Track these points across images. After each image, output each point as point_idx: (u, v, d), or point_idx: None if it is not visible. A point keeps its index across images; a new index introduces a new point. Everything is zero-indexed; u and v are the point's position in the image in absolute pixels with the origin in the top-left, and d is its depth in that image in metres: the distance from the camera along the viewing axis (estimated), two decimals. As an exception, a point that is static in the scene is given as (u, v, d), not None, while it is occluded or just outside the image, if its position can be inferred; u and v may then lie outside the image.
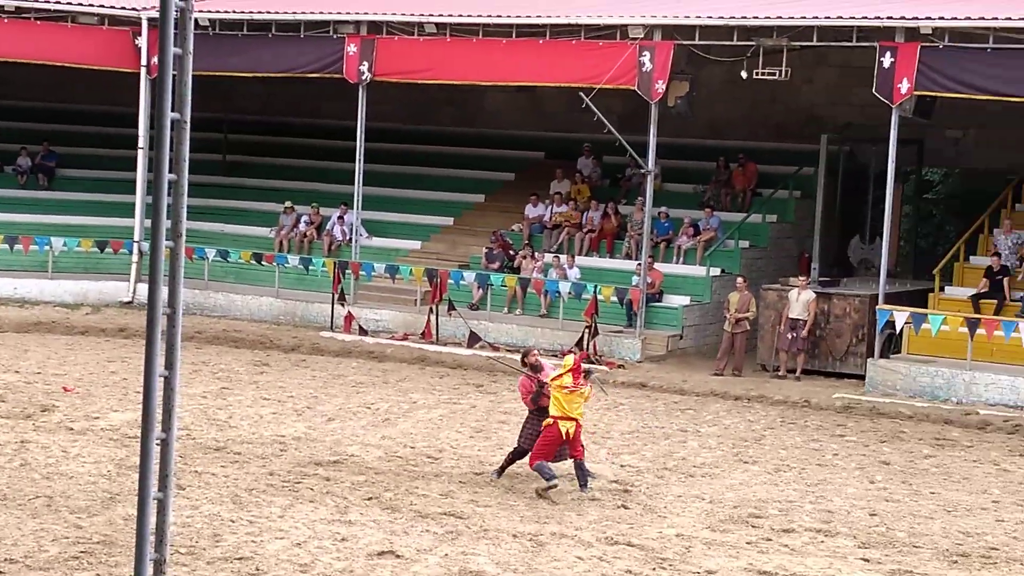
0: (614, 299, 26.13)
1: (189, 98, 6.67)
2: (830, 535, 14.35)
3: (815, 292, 25.01)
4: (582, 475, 15.60)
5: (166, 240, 6.71)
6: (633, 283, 26.57)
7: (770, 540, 14.01)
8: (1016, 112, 27.14)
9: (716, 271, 27.47)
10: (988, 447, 19.64)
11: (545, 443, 15.48)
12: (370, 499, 14.86)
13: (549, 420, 15.45)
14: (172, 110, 6.64)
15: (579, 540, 13.63)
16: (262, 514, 14.03)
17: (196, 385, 21.50)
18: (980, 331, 22.87)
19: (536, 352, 16.77)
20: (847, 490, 16.56)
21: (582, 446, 15.72)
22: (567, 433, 15.35)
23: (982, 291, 24.74)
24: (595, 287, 25.99)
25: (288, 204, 31.77)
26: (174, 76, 6.73)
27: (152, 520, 6.76)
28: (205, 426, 18.46)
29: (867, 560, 13.43)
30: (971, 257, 26.37)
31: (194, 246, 30.11)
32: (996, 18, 22.59)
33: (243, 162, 35.35)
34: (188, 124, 6.63)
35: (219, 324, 28.20)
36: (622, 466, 17.30)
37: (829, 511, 15.42)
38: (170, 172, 6.69)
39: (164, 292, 6.76)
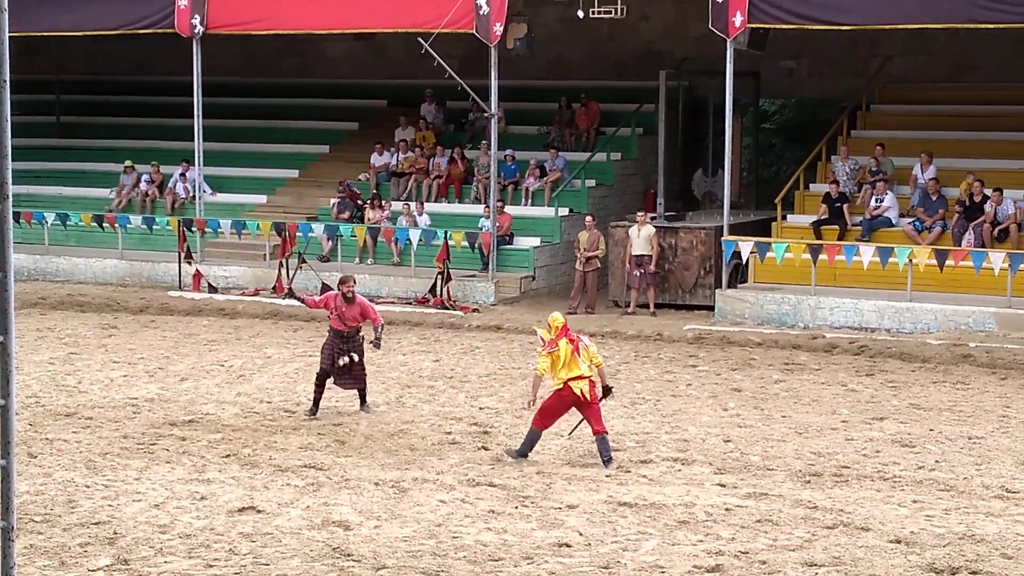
0: (465, 244, 26.14)
1: (7, 56, 6.45)
2: (687, 463, 14.59)
3: (657, 227, 25.31)
4: (605, 449, 14.41)
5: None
6: (482, 227, 26.61)
7: (629, 472, 14.20)
8: (847, 40, 27.75)
9: (564, 211, 27.65)
10: (835, 369, 20.13)
11: (550, 406, 14.56)
12: (228, 456, 14.72)
13: (559, 383, 14.32)
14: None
15: (441, 484, 13.66)
16: (118, 477, 13.81)
17: (43, 352, 21.04)
18: (822, 257, 23.39)
19: (352, 282, 16.88)
20: (701, 419, 16.86)
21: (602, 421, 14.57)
22: (581, 392, 14.24)
23: (823, 218, 25.28)
24: (445, 233, 25.97)
25: (128, 163, 31.16)
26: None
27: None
28: (54, 392, 18.08)
29: (723, 485, 13.69)
30: (811, 185, 26.92)
31: (32, 211, 29.43)
32: (824, -52, 23.01)
33: (78, 123, 34.55)
34: (7, 83, 6.42)
35: (63, 289, 27.61)
36: (481, 408, 17.37)
37: (685, 440, 15.68)
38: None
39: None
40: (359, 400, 17.10)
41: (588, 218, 25.67)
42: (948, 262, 22.51)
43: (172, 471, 14.11)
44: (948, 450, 15.25)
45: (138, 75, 34.88)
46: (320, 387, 16.89)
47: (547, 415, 14.63)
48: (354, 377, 16.90)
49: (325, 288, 25.92)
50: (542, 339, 14.55)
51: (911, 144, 26.14)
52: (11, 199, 6.51)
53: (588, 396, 14.29)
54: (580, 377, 14.27)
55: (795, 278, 23.90)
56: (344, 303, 16.64)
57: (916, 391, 18.57)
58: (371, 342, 16.75)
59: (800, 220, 25.79)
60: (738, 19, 23.54)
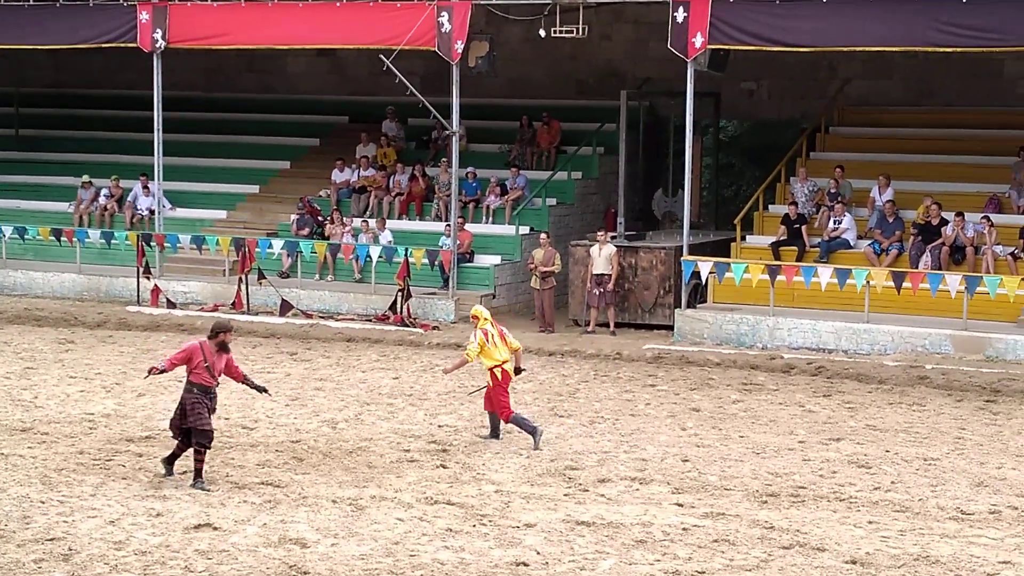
0: (425, 261, 26.12)
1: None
2: (645, 483, 14.62)
3: (617, 246, 25.38)
4: (526, 424, 16.34)
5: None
6: (443, 245, 26.60)
7: (587, 491, 14.22)
8: (806, 62, 27.95)
9: (525, 229, 27.68)
10: (793, 389, 20.21)
11: (504, 390, 16.36)
12: (184, 473, 14.62)
13: (496, 366, 16.33)
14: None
15: (399, 502, 13.64)
16: (73, 493, 13.72)
17: (-2, 367, 20.89)
18: (781, 277, 23.51)
19: (233, 330, 15.02)
20: (660, 438, 16.89)
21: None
22: (504, 372, 16.34)
23: (781, 239, 25.42)
24: (406, 250, 25.94)
25: (86, 178, 30.99)
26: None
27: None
28: (10, 407, 17.93)
29: (681, 505, 13.73)
30: (770, 206, 27.05)
31: (-11, 224, 29.24)
32: (784, -29, 23.18)
33: (37, 136, 34.36)
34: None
35: (20, 303, 27.40)
36: (440, 426, 17.35)
37: (643, 459, 15.71)
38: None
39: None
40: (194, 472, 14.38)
41: (543, 235, 25.71)
42: (905, 284, 22.66)
43: (128, 487, 14.03)
44: (904, 471, 15.34)
45: (99, 88, 34.72)
46: (185, 446, 14.44)
47: (506, 401, 16.40)
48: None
49: (284, 305, 25.94)
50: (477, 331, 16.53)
51: (870, 167, 26.36)
52: None
53: (504, 375, 16.40)
54: (504, 361, 16.38)
55: (754, 298, 24.01)
56: (216, 353, 14.32)
57: (872, 412, 18.67)
58: (257, 389, 14.89)
59: (759, 241, 25.93)
60: (698, 40, 23.66)
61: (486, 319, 16.58)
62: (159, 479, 14.36)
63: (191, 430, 14.21)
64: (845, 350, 22.81)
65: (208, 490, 13.93)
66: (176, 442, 14.46)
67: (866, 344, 22.79)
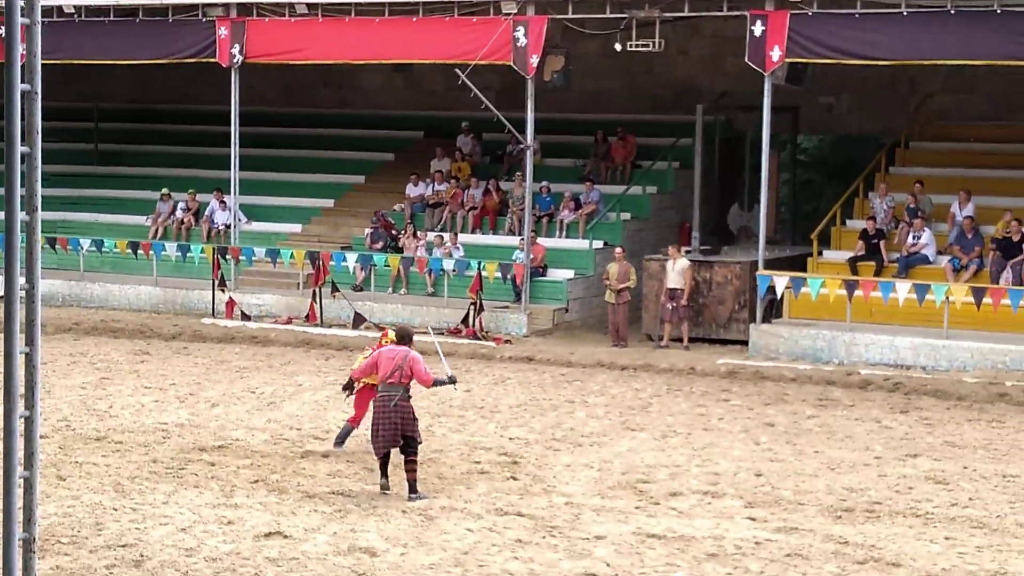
0: (498, 275, 26.10)
1: (39, 68, 6.49)
2: (717, 496, 14.46)
3: (692, 260, 25.20)
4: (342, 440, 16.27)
5: (22, 214, 6.51)
6: (516, 258, 26.57)
7: (658, 504, 14.08)
8: (885, 76, 27.64)
9: (599, 244, 27.56)
10: (870, 405, 19.94)
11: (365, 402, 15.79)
12: (256, 482, 14.67)
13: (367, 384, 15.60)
14: (22, 81, 6.45)
15: (469, 512, 13.58)
16: (145, 501, 13.79)
17: (75, 376, 21.09)
18: (858, 292, 23.22)
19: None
20: (733, 452, 16.71)
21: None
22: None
23: (859, 254, 25.11)
24: (479, 264, 25.94)
25: (164, 191, 31.31)
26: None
27: (19, 499, 6.58)
28: (85, 416, 18.09)
29: (753, 519, 13.55)
30: (847, 221, 26.75)
31: (68, 237, 29.58)
32: (863, -18, 22.95)
33: (116, 151, 34.77)
34: (39, 95, 6.45)
35: (97, 315, 27.69)
36: (511, 439, 17.28)
37: (716, 473, 15.54)
38: (23, 144, 6.49)
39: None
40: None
41: (618, 250, 25.59)
42: (985, 300, 22.30)
43: (200, 495, 14.08)
44: (982, 488, 15.05)
45: (176, 103, 35.09)
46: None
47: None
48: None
49: (357, 318, 25.99)
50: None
51: (950, 182, 25.96)
52: (40, 211, 6.53)
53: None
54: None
55: (830, 314, 23.71)
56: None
57: (951, 428, 18.36)
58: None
59: (836, 256, 25.63)
60: (776, 53, 23.46)
61: (389, 341, 15.28)
62: (231, 487, 14.39)
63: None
64: (923, 366, 22.47)
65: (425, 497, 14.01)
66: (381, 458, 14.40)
67: (945, 360, 22.43)
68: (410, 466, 14.17)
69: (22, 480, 6.50)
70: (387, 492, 14.21)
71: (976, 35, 22.34)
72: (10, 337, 6.64)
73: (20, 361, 6.59)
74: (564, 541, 12.63)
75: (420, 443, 14.45)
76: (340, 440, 16.41)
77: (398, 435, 14.16)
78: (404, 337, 14.79)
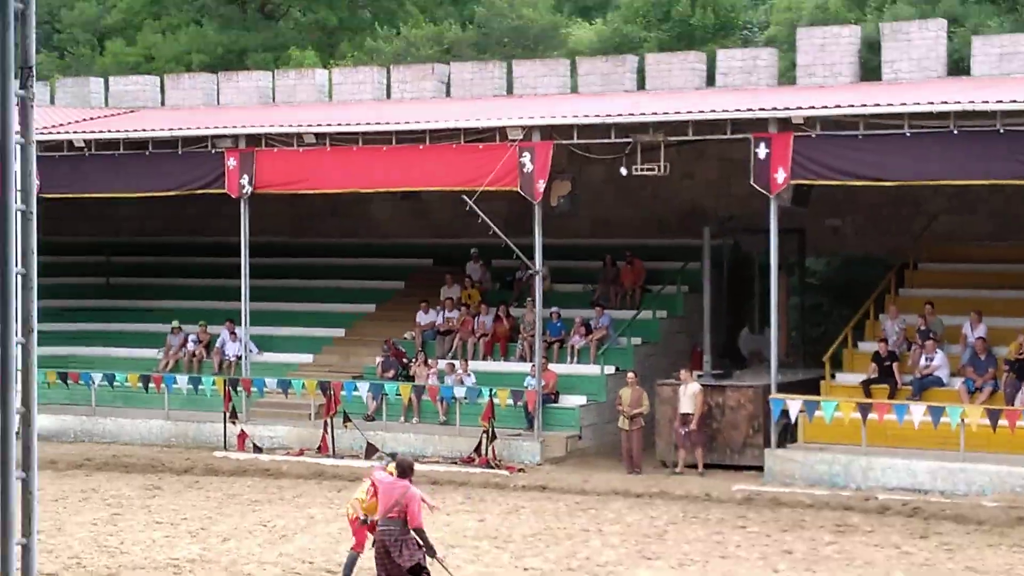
0: (510, 402, 25.99)
1: (34, 190, 6.59)
2: (738, 628, 14.23)
3: (703, 384, 25.08)
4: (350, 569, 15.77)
5: (18, 337, 6.52)
6: (528, 385, 26.47)
7: (678, 636, 13.85)
8: (891, 197, 27.74)
9: (610, 369, 27.48)
10: (889, 531, 19.70)
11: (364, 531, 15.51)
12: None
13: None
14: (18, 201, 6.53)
15: (485, 648, 13.36)
16: (157, 642, 13.59)
17: (85, 513, 20.93)
18: (872, 415, 23.06)
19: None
20: (752, 581, 16.49)
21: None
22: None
23: (872, 376, 24.97)
24: (491, 391, 25.85)
25: (175, 324, 31.34)
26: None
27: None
28: (95, 553, 17.91)
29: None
30: (859, 343, 26.66)
31: (79, 371, 29.54)
32: (864, 105, 23.15)
33: (127, 284, 34.89)
34: (34, 214, 6.55)
35: (108, 450, 27.56)
36: (525, 569, 17.06)
37: (736, 603, 15.31)
38: (19, 266, 6.54)
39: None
40: None
41: (630, 375, 25.50)
42: (1001, 422, 22.13)
43: (212, 635, 13.88)
44: (1007, 615, 14.80)
45: (185, 235, 35.28)
46: None
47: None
48: None
49: (370, 448, 25.82)
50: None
51: (960, 303, 25.91)
52: (36, 332, 6.56)
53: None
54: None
55: (845, 438, 23.52)
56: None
57: (972, 554, 18.11)
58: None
59: (849, 379, 25.50)
60: (780, 176, 23.57)
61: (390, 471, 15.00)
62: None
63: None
64: (942, 490, 22.21)
65: None
66: None
67: (963, 484, 22.19)
68: None
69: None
70: None
71: (977, 155, 22.44)
72: (7, 461, 6.56)
73: (16, 487, 6.54)
74: (583, 677, 12.40)
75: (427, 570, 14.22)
76: (348, 570, 16.17)
77: (403, 571, 13.96)
78: (405, 470, 14.54)
